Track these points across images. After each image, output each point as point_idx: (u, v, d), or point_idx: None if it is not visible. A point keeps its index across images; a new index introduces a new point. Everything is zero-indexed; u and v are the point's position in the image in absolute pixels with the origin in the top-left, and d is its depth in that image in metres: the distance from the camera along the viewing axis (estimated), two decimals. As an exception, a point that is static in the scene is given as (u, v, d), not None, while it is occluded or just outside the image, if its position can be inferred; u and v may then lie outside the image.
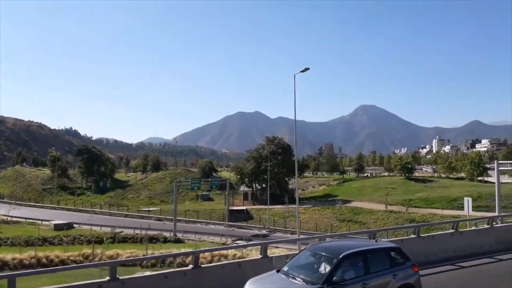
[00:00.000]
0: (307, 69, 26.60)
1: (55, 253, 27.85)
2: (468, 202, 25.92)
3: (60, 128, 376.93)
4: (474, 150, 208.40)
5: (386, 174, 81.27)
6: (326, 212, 53.83)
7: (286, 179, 65.59)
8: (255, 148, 69.40)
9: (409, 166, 67.08)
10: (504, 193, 44.60)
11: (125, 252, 29.84)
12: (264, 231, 48.46)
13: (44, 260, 26.11)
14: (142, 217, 57.65)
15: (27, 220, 51.51)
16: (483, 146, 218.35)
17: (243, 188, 67.70)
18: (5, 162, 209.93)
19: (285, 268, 7.32)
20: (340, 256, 6.88)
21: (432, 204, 52.39)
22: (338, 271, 6.71)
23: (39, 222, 50.46)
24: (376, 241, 8.61)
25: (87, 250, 29.21)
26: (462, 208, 35.88)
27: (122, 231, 42.57)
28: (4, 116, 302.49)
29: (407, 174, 66.71)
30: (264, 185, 63.99)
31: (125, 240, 38.60)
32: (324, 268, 6.95)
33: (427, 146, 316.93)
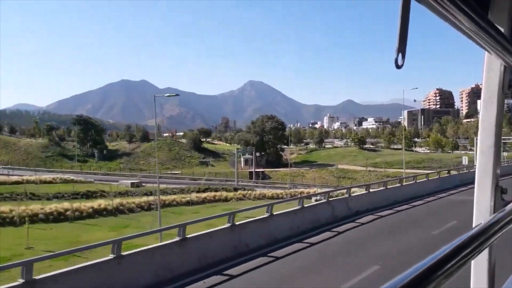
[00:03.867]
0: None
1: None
2: (464, 159, 47.01)
3: None
4: (362, 127, 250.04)
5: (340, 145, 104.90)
6: (323, 172, 73.08)
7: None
8: (254, 124, 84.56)
9: (362, 139, 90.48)
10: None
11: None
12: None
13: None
14: (194, 179, 68.47)
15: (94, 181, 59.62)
16: (369, 124, 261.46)
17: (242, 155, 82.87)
18: None
19: None
20: None
21: (393, 165, 75.52)
22: None
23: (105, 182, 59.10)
24: None
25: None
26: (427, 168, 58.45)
27: (208, 186, 55.34)
28: None
29: (360, 145, 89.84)
30: (263, 153, 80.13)
31: (216, 190, 51.43)
32: None
33: (318, 122, 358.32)
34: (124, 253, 8.33)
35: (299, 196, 41.25)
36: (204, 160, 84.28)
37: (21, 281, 7.25)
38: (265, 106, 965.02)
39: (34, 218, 31.33)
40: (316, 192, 42.78)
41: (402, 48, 0.71)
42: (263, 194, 45.29)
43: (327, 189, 31.80)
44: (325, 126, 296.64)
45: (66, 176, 59.51)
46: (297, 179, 69.46)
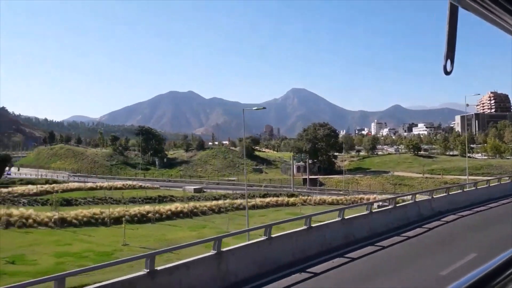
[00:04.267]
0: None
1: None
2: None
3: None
4: (412, 133, 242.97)
5: (393, 152, 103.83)
6: (378, 179, 73.08)
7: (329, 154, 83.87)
8: (307, 131, 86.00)
9: (417, 145, 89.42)
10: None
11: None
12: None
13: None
14: (250, 185, 71.27)
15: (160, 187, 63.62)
16: (420, 129, 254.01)
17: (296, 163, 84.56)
18: None
19: None
20: None
21: (450, 172, 74.10)
22: None
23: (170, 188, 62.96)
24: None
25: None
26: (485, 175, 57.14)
27: (267, 192, 57.60)
28: None
29: (416, 152, 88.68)
30: (315, 160, 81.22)
31: (275, 195, 53.55)
32: None
33: (365, 129, 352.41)
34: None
35: (360, 202, 42.56)
36: (257, 167, 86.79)
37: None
38: (308, 114, 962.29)
39: (120, 219, 34.67)
40: (376, 198, 43.69)
41: (450, 54, 0.70)
42: (323, 200, 46.72)
43: (391, 196, 32.92)
44: (373, 133, 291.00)
45: (134, 182, 63.95)
46: (352, 186, 69.98)
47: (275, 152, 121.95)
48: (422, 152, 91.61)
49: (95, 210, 34.75)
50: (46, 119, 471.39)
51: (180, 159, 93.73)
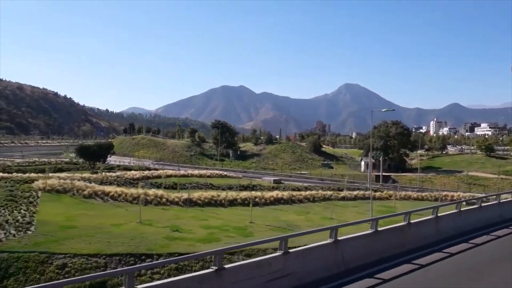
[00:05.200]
0: None
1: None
2: None
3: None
4: (475, 133, 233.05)
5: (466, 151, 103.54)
6: (452, 178, 73.82)
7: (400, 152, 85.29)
8: (377, 128, 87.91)
9: (490, 146, 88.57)
10: None
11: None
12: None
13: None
14: (321, 179, 75.10)
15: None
16: (482, 129, 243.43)
17: (365, 159, 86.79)
18: (29, 128, 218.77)
19: None
20: None
21: (528, 174, 73.26)
22: None
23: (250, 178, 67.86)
24: None
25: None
26: None
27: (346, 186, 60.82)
28: (21, 82, 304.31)
29: (488, 153, 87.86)
30: (386, 158, 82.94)
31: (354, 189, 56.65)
32: None
33: (423, 127, 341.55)
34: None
35: (445, 199, 44.85)
36: (325, 162, 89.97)
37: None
38: (360, 110, 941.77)
39: (233, 202, 39.55)
40: (460, 196, 45.76)
41: None
42: (408, 195, 49.15)
43: (478, 194, 35.24)
44: (431, 132, 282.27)
45: (220, 172, 69.64)
46: (425, 184, 71.33)
47: (331, 148, 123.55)
48: (493, 154, 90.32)
49: (213, 193, 39.90)
50: (107, 110, 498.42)
51: (250, 152, 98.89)
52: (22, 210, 26.90)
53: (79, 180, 40.79)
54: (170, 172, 67.78)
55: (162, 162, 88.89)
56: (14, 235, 23.45)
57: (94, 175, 44.97)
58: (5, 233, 23.53)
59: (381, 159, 71.89)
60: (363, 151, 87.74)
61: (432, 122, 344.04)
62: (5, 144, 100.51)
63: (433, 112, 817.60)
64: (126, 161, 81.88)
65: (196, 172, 66.97)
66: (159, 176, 57.76)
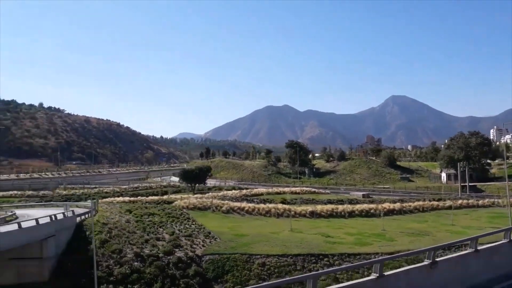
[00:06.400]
0: None
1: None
2: None
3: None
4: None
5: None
6: (543, 185, 72.84)
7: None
8: (456, 140, 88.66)
9: None
10: None
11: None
12: None
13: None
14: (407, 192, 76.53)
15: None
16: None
17: (445, 171, 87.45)
18: (98, 158, 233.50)
19: None
20: None
21: None
22: None
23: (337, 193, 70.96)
24: None
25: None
26: None
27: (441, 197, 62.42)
28: (87, 116, 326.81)
29: None
30: (466, 169, 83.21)
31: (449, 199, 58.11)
32: None
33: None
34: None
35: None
36: (404, 176, 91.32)
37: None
38: (410, 122, 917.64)
39: (352, 214, 43.01)
40: None
41: None
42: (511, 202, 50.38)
43: None
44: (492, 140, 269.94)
45: (308, 188, 73.49)
46: (514, 192, 71.01)
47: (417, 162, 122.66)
48: None
49: (332, 206, 43.68)
50: (161, 137, 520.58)
51: (323, 169, 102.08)
52: (186, 225, 32.14)
53: (215, 198, 46.51)
54: (262, 190, 72.57)
55: (243, 182, 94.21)
56: (208, 242, 28.66)
57: (205, 195, 51.02)
58: (202, 241, 28.85)
59: (466, 170, 72.69)
60: (441, 162, 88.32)
61: (492, 130, 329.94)
62: (82, 174, 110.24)
63: (487, 120, 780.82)
64: (212, 182, 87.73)
65: (286, 189, 71.14)
66: (256, 194, 62.33)
